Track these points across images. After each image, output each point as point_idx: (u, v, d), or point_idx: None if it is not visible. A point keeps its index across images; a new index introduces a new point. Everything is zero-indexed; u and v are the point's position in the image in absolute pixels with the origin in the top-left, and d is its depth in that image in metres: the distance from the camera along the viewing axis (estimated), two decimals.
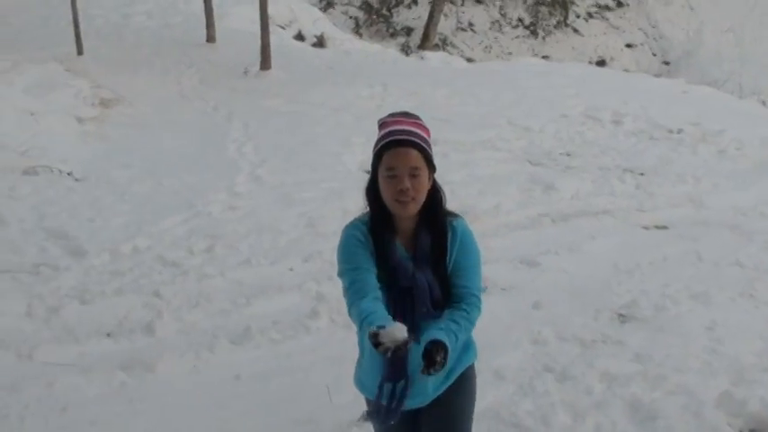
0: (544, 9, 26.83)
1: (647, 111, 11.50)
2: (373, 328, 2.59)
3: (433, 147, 2.99)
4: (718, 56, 25.80)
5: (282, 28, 17.91)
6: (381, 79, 13.43)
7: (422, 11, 24.97)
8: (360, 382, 3.16)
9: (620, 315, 5.69)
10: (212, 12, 15.56)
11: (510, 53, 24.73)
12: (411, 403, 3.01)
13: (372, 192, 2.96)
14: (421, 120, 3.00)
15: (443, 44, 24.18)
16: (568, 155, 9.73)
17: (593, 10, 27.35)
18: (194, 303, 5.81)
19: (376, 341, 2.57)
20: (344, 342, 4.82)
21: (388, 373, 2.96)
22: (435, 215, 2.96)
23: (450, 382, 3.06)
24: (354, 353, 3.15)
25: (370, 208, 2.98)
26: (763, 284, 6.21)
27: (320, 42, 18.01)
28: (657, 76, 19.56)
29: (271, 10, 14.74)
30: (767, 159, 9.75)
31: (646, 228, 7.55)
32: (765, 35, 26.95)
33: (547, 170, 9.06)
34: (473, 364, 3.14)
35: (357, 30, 24.12)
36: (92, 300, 5.83)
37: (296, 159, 9.31)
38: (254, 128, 10.76)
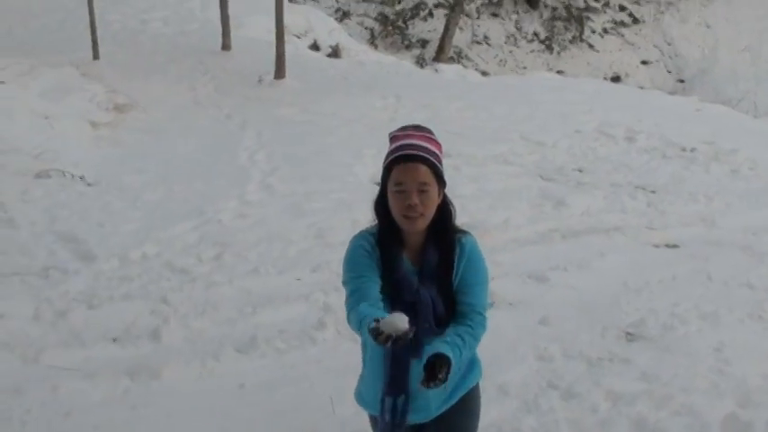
0: (560, 24, 26.81)
1: (661, 128, 11.45)
2: (373, 321, 2.58)
3: (444, 160, 2.98)
4: (734, 74, 25.70)
5: (298, 37, 17.94)
6: (395, 91, 13.43)
7: (437, 23, 24.98)
8: (359, 396, 3.15)
9: (628, 333, 5.65)
10: (228, 20, 15.57)
11: (525, 67, 24.70)
12: (414, 418, 3.00)
13: (381, 205, 2.95)
14: (432, 134, 2.98)
15: (458, 57, 24.19)
16: (580, 171, 9.69)
17: (608, 26, 27.31)
18: (201, 311, 5.81)
19: (376, 332, 2.54)
20: (350, 354, 4.76)
21: (389, 387, 2.95)
22: (444, 231, 2.94)
23: (454, 401, 3.04)
24: (359, 365, 3.14)
25: (379, 221, 2.97)
26: None
27: (335, 53, 18.03)
28: (672, 93, 19.52)
29: (287, 19, 14.77)
30: None
31: (656, 246, 7.49)
32: None
33: (558, 186, 9.02)
34: (478, 383, 3.13)
35: (372, 41, 24.13)
36: (99, 305, 5.85)
37: (307, 169, 9.31)
38: (267, 136, 10.77)
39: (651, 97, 15.09)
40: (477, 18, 25.89)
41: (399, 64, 17.62)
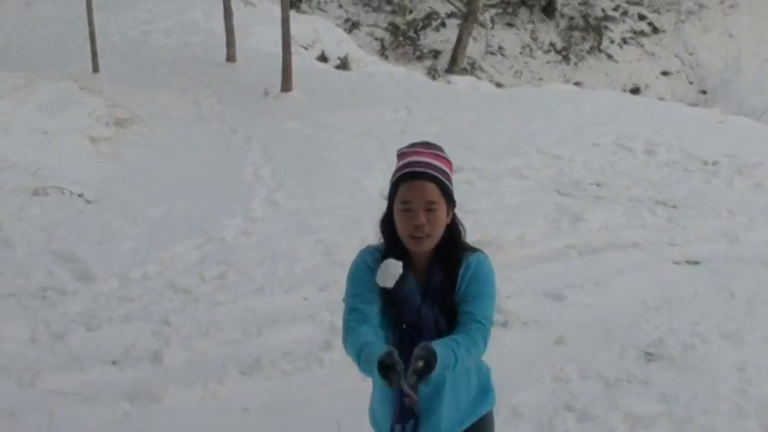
0: (577, 34, 26.69)
1: (682, 141, 11.30)
2: (378, 356, 2.55)
3: (457, 174, 2.88)
4: (758, 85, 25.55)
5: (305, 49, 17.82)
6: (406, 103, 13.30)
7: (450, 33, 24.87)
8: (372, 414, 3.09)
9: (647, 353, 5.57)
10: (233, 30, 15.41)
11: (541, 79, 24.58)
12: None
13: (387, 224, 2.87)
14: (443, 151, 2.90)
15: (472, 68, 24.08)
16: (598, 185, 9.56)
17: (627, 35, 27.16)
18: (204, 332, 5.70)
19: (384, 370, 2.53)
20: (358, 376, 4.61)
21: (398, 415, 2.88)
22: (451, 251, 2.86)
23: (466, 426, 2.97)
24: (367, 388, 3.06)
25: (385, 240, 2.90)
26: None
27: (344, 64, 17.97)
28: (694, 105, 19.35)
29: (293, 30, 14.66)
30: None
31: (676, 263, 7.37)
32: None
33: (575, 200, 8.89)
34: (491, 410, 3.04)
35: (383, 52, 24.07)
36: (98, 326, 5.73)
37: (314, 184, 9.20)
38: (273, 151, 10.64)
39: (671, 109, 14.95)
40: (492, 28, 25.79)
41: (410, 75, 17.51)
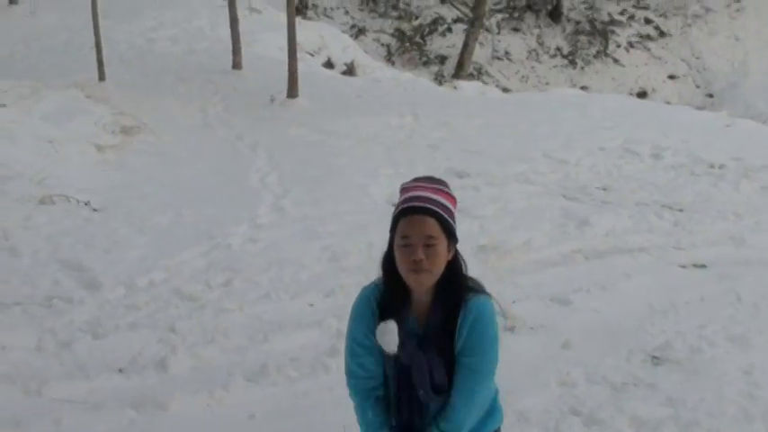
0: (583, 38, 26.65)
1: (688, 144, 11.24)
2: None
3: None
4: (764, 88, 25.47)
5: (311, 55, 17.79)
6: (412, 109, 13.25)
7: (456, 39, 24.85)
8: None
9: (654, 357, 5.56)
10: (239, 38, 15.38)
11: (547, 83, 24.52)
12: None
13: (389, 260, 2.84)
14: (446, 186, 2.87)
15: (478, 73, 24.04)
16: (604, 189, 9.51)
17: (634, 40, 27.10)
18: (210, 339, 5.69)
19: None
20: None
21: None
22: (451, 289, 2.82)
23: None
24: None
25: (384, 277, 2.87)
26: None
27: (350, 70, 17.91)
28: (701, 108, 19.26)
29: (299, 37, 14.61)
30: None
31: (683, 266, 7.34)
32: None
33: (581, 205, 8.85)
34: (499, 428, 3.03)
35: (389, 58, 24.07)
36: (105, 334, 5.72)
37: (321, 191, 9.17)
38: (279, 157, 10.62)
39: (678, 112, 14.90)
40: (498, 33, 25.78)
41: (416, 81, 17.43)
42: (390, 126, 12.28)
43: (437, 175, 3.04)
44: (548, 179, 9.85)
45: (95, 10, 13.52)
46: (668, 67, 26.77)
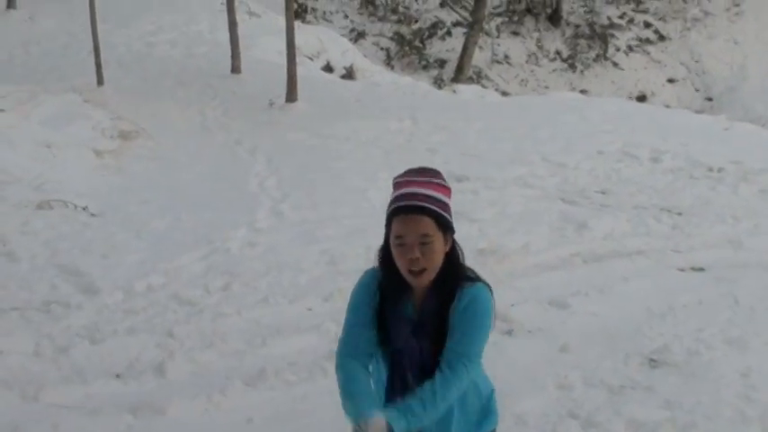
0: (583, 42, 26.65)
1: (687, 148, 11.27)
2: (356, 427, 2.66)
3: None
4: (763, 92, 25.48)
5: (310, 59, 17.72)
6: (411, 112, 13.23)
7: (456, 43, 24.83)
8: None
9: (651, 360, 5.57)
10: (238, 42, 15.31)
11: (547, 87, 24.53)
12: None
13: (385, 254, 2.84)
14: (439, 176, 2.83)
15: (478, 77, 24.02)
16: (603, 193, 9.54)
17: (633, 43, 27.11)
18: (208, 343, 5.69)
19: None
20: None
21: None
22: (448, 278, 2.81)
23: None
24: None
25: (381, 270, 2.86)
26: None
27: (349, 74, 17.89)
28: (700, 112, 19.29)
29: (298, 40, 14.61)
30: None
31: (681, 270, 7.36)
32: None
33: (580, 208, 8.86)
34: (494, 430, 3.02)
35: (389, 61, 24.04)
36: (102, 339, 5.71)
37: (319, 195, 9.18)
38: (278, 162, 10.61)
39: (677, 116, 14.90)
40: (497, 37, 25.77)
41: (416, 85, 17.42)
42: (389, 130, 12.27)
43: None
44: (546, 183, 9.87)
45: (94, 14, 13.46)
46: (667, 70, 26.77)
